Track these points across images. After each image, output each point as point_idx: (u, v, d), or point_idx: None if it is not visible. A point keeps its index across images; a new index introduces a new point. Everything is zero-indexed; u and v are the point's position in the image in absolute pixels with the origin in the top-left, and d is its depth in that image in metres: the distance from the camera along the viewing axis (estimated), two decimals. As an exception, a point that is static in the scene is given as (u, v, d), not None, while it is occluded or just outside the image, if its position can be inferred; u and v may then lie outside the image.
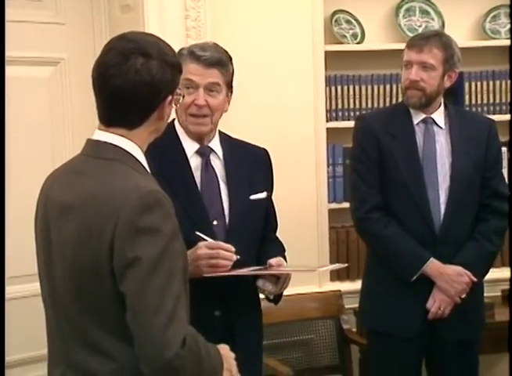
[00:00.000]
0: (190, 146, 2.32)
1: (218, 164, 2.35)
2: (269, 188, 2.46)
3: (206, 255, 2.14)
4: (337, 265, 2.61)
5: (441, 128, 2.90)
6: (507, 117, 3.68)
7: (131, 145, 1.76)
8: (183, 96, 1.87)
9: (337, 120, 3.76)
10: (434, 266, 2.81)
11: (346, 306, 3.68)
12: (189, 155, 2.32)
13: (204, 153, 2.33)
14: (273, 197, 3.56)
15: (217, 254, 2.14)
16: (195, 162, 2.32)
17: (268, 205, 2.46)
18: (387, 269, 2.89)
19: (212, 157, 2.35)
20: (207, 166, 2.32)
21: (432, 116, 2.90)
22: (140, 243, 1.64)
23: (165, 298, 1.64)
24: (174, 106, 1.83)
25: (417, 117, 2.89)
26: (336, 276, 3.81)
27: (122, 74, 1.71)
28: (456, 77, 2.90)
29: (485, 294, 3.64)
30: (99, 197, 1.69)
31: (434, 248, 2.83)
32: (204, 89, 2.26)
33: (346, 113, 3.75)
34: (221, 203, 2.30)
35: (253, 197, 2.37)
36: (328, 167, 3.74)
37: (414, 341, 2.86)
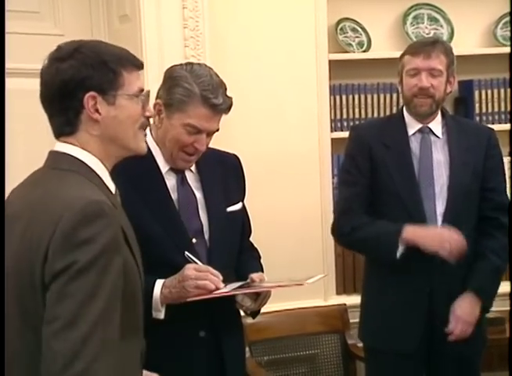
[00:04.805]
0: (164, 164, 2.26)
1: (192, 178, 2.29)
2: (242, 194, 2.41)
3: (194, 276, 2.10)
4: (321, 276, 2.45)
5: (438, 137, 2.81)
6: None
7: (86, 154, 1.71)
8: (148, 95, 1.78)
9: (342, 130, 3.68)
10: (410, 230, 2.67)
11: (351, 320, 3.57)
12: (163, 171, 2.25)
13: (179, 169, 2.27)
14: (276, 209, 3.57)
15: (205, 276, 2.10)
16: (170, 179, 2.26)
17: (243, 214, 2.41)
18: (375, 263, 2.82)
19: (186, 172, 2.29)
20: (183, 183, 2.27)
21: (429, 125, 2.80)
22: (72, 255, 1.54)
23: (80, 321, 1.51)
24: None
25: (413, 127, 2.80)
26: (342, 289, 3.73)
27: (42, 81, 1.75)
28: (454, 83, 2.82)
29: (496, 309, 3.56)
30: (42, 206, 1.63)
31: (432, 261, 2.71)
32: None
33: (351, 123, 3.65)
34: (200, 219, 2.25)
35: (230, 209, 2.32)
36: (333, 178, 3.66)
37: (413, 358, 2.77)
